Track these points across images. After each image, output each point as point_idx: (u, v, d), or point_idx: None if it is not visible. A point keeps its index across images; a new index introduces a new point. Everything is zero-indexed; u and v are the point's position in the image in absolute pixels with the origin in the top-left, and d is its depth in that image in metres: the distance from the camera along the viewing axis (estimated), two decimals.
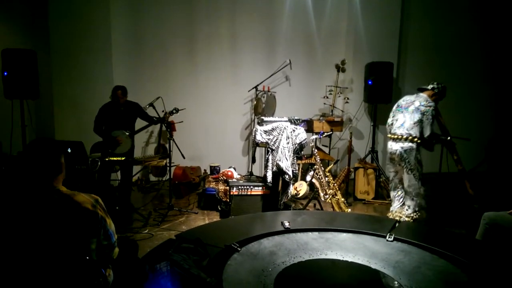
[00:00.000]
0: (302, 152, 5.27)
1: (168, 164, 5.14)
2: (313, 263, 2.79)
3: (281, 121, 5.17)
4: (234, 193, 4.89)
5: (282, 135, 4.91)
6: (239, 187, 4.91)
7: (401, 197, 4.65)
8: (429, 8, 7.31)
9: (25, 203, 1.87)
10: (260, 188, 4.96)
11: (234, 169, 5.74)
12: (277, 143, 4.92)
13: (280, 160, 4.82)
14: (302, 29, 7.14)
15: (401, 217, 4.48)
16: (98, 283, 1.96)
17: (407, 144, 4.35)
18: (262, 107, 6.49)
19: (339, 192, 4.99)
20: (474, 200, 4.81)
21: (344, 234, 3.17)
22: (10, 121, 5.34)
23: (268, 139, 4.98)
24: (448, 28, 7.36)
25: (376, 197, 5.94)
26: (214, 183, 5.58)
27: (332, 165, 5.77)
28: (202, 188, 5.85)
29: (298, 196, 5.38)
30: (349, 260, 2.83)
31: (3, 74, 5.11)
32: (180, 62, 6.83)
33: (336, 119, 6.42)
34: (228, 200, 4.94)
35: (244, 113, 7.11)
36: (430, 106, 4.37)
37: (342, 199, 4.92)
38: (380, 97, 6.42)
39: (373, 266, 2.75)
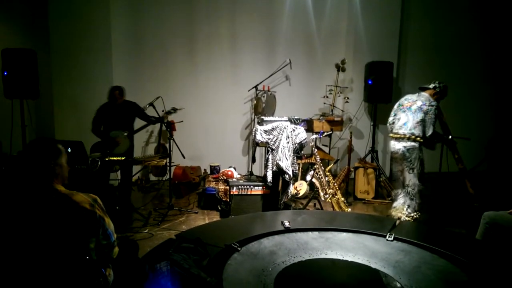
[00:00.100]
0: (302, 152, 5.27)
1: (168, 164, 5.15)
2: (313, 262, 2.79)
3: (281, 120, 5.18)
4: (234, 193, 4.89)
5: (282, 134, 4.91)
6: (239, 186, 4.91)
7: (403, 195, 4.67)
8: (429, 8, 7.31)
9: (24, 203, 1.87)
10: (260, 187, 4.96)
11: (234, 168, 5.74)
12: (277, 143, 4.92)
13: (280, 160, 4.82)
14: (302, 29, 7.14)
15: (402, 215, 4.49)
16: (98, 282, 1.96)
17: (409, 144, 4.36)
18: (262, 106, 6.49)
19: (339, 191, 4.99)
20: (475, 199, 4.82)
21: (344, 234, 3.18)
22: (10, 121, 5.34)
23: (268, 139, 4.99)
24: (448, 28, 7.36)
25: (376, 197, 5.94)
26: (214, 182, 5.58)
27: (332, 164, 5.77)
28: (202, 188, 5.85)
29: (298, 196, 5.38)
30: (349, 259, 2.84)
31: (3, 74, 5.11)
32: (180, 62, 6.83)
33: (336, 119, 6.42)
34: (228, 200, 4.94)
35: (244, 112, 7.11)
36: (432, 106, 4.38)
37: (342, 199, 4.92)
38: (380, 97, 6.42)
39: (373, 265, 2.75)
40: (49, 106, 6.25)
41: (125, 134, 5.03)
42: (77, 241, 1.89)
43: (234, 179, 5.30)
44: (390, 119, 4.73)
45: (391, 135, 4.61)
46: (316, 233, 3.17)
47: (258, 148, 6.06)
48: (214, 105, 6.99)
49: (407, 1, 7.16)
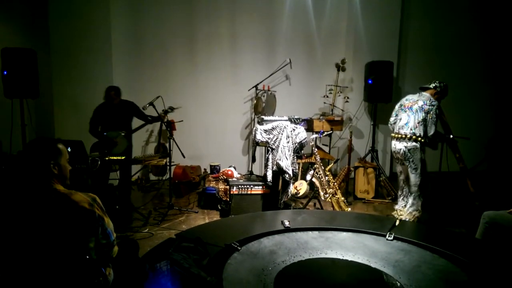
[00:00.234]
0: (302, 151, 5.27)
1: (168, 163, 5.15)
2: (313, 262, 2.79)
3: (281, 120, 5.18)
4: (234, 192, 4.89)
5: (282, 134, 4.91)
6: (239, 186, 4.91)
7: (406, 197, 4.67)
8: (429, 8, 7.31)
9: (23, 202, 1.87)
10: (260, 187, 4.96)
11: (234, 168, 5.74)
12: (277, 142, 4.92)
13: (280, 159, 4.82)
14: (302, 29, 7.14)
15: (403, 217, 4.50)
16: (98, 282, 1.96)
17: (411, 144, 4.37)
18: (262, 106, 6.49)
19: (339, 191, 4.99)
20: (475, 198, 4.82)
21: (344, 233, 3.18)
22: (10, 120, 5.34)
23: (268, 138, 4.99)
24: (448, 28, 7.36)
25: (376, 196, 5.94)
26: (214, 182, 5.58)
27: (332, 164, 5.77)
28: (202, 187, 5.86)
29: (298, 195, 5.38)
30: (349, 259, 2.84)
31: (3, 73, 5.10)
32: (180, 62, 6.84)
33: (336, 118, 6.42)
34: (228, 199, 4.94)
35: (244, 112, 7.11)
36: (433, 105, 4.38)
37: (342, 198, 4.92)
38: (380, 96, 6.42)
39: (373, 265, 2.75)
40: (49, 106, 6.26)
41: (123, 134, 5.03)
42: (76, 240, 1.89)
43: (234, 179, 5.30)
44: (392, 119, 4.74)
45: (393, 135, 4.61)
46: (316, 232, 3.17)
47: (258, 148, 6.06)
48: (214, 104, 6.99)
49: (407, 1, 7.16)
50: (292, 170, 4.90)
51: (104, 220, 2.00)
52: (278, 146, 4.89)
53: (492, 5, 7.41)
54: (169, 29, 6.71)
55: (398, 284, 2.51)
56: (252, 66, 6.99)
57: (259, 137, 5.00)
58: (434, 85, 4.55)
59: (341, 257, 2.86)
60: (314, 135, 5.47)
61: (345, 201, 4.95)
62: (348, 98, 7.03)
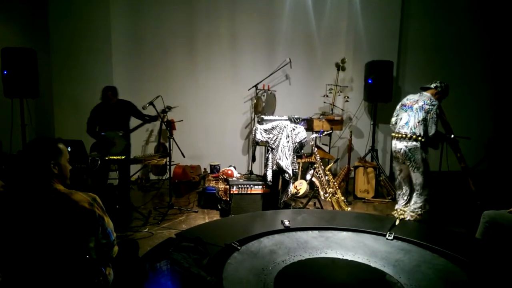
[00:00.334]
0: (302, 151, 5.27)
1: (168, 163, 5.15)
2: (313, 261, 2.79)
3: (281, 119, 5.18)
4: (234, 192, 4.89)
5: (282, 133, 4.91)
6: (239, 186, 4.91)
7: (406, 195, 4.67)
8: (429, 8, 7.30)
9: (23, 202, 1.87)
10: (260, 186, 4.96)
11: (234, 167, 5.74)
12: (277, 142, 4.92)
13: (280, 159, 4.82)
14: (302, 28, 7.14)
15: (405, 215, 4.50)
16: (98, 281, 1.96)
17: (411, 143, 4.37)
18: (262, 106, 6.49)
19: (339, 190, 4.99)
20: (477, 197, 4.83)
21: (344, 233, 3.18)
22: (10, 120, 5.34)
23: (268, 138, 4.99)
24: (448, 28, 7.36)
25: (376, 196, 5.95)
26: (214, 182, 5.58)
27: (332, 163, 5.77)
28: (202, 187, 5.86)
29: (298, 195, 5.38)
30: (349, 258, 2.84)
31: (3, 73, 5.10)
32: (180, 62, 6.84)
33: (336, 118, 6.41)
34: (228, 199, 4.94)
35: (244, 112, 7.11)
36: (434, 105, 4.39)
37: (342, 198, 4.92)
38: (380, 96, 6.42)
39: (373, 264, 2.75)
40: (49, 106, 6.26)
41: (120, 134, 5.04)
42: (76, 240, 1.89)
43: (234, 178, 5.30)
44: (393, 119, 4.74)
45: (393, 134, 4.61)
46: (316, 232, 3.17)
47: (258, 147, 6.06)
48: (214, 104, 7.00)
49: (407, 1, 7.15)
50: (292, 169, 4.90)
51: (104, 219, 2.00)
52: (278, 146, 4.89)
53: (492, 4, 7.40)
54: (169, 29, 6.71)
55: (398, 283, 2.51)
56: (252, 66, 6.99)
57: (259, 136, 5.00)
58: (435, 85, 4.56)
59: (341, 257, 2.86)
60: (314, 135, 5.47)
61: (345, 200, 4.95)
62: (348, 97, 7.03)
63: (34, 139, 2.02)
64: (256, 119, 6.44)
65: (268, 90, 6.66)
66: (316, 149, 5.20)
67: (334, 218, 3.63)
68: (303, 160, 5.65)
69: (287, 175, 4.84)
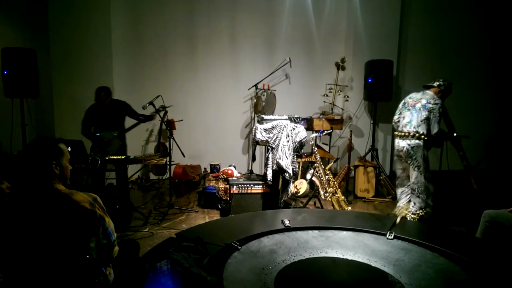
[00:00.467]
0: (302, 150, 5.27)
1: (168, 163, 5.15)
2: (314, 261, 2.79)
3: (281, 119, 5.17)
4: (234, 192, 4.89)
5: (282, 133, 4.91)
6: (239, 185, 4.91)
7: (408, 194, 4.68)
8: (429, 6, 7.29)
9: (24, 202, 1.87)
10: (260, 186, 4.96)
11: (234, 167, 5.74)
12: (277, 141, 4.92)
13: (280, 158, 4.82)
14: (302, 27, 7.14)
15: (407, 214, 4.50)
16: (99, 281, 1.96)
17: (414, 141, 4.37)
18: (262, 105, 6.49)
19: (339, 190, 4.99)
20: (479, 196, 4.83)
21: (344, 232, 3.18)
22: (10, 120, 5.34)
23: (268, 137, 4.99)
24: (448, 27, 7.35)
25: (376, 195, 5.95)
26: (214, 181, 5.58)
27: (332, 163, 5.77)
28: (202, 187, 5.86)
29: (298, 194, 5.38)
30: (349, 258, 2.84)
31: (3, 73, 5.11)
32: (180, 61, 6.83)
33: (336, 117, 6.42)
34: (228, 199, 4.94)
35: (244, 111, 7.11)
36: (437, 104, 4.39)
37: (342, 197, 4.92)
38: (380, 95, 6.42)
39: (373, 264, 2.75)
40: (49, 105, 6.26)
41: (115, 134, 5.04)
42: (77, 240, 1.89)
43: (234, 178, 5.30)
44: (395, 117, 4.74)
45: (396, 133, 4.62)
46: (316, 231, 3.17)
47: (258, 147, 6.06)
48: (214, 103, 7.00)
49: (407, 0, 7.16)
50: (292, 169, 4.90)
51: (105, 220, 2.00)
52: (278, 145, 4.89)
53: (492, 3, 7.39)
54: (169, 29, 6.71)
55: (399, 283, 2.51)
56: (252, 65, 6.99)
57: (259, 136, 4.99)
58: (438, 83, 4.56)
59: (341, 256, 2.86)
60: (314, 134, 5.48)
61: (345, 200, 4.95)
62: (348, 97, 7.03)
63: (35, 139, 2.01)
64: (256, 118, 6.44)
65: (268, 89, 6.66)
66: (316, 148, 5.20)
67: (334, 217, 3.63)
68: (303, 160, 5.65)
69: (287, 175, 4.84)
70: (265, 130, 5.00)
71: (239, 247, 2.73)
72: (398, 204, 4.79)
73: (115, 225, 2.12)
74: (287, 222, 3.21)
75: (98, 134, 4.99)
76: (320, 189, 4.99)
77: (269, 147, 5.02)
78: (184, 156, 5.27)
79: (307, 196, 5.31)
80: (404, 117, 4.56)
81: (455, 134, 4.65)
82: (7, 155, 4.96)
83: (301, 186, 5.40)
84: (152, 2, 6.61)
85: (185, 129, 6.56)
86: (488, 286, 2.36)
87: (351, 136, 5.65)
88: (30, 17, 6.25)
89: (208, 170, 6.58)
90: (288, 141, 4.90)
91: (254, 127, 5.13)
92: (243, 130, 7.17)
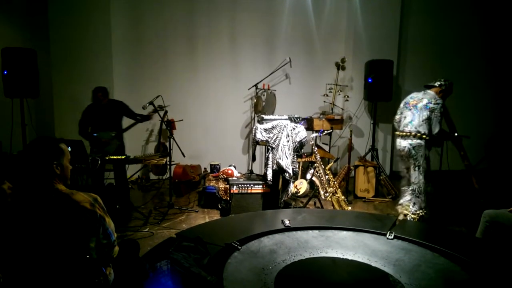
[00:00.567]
0: (302, 150, 5.27)
1: (168, 163, 5.15)
2: (314, 261, 2.79)
3: (281, 119, 5.17)
4: (235, 192, 4.89)
5: (282, 133, 4.91)
6: (240, 185, 4.91)
7: (411, 193, 4.68)
8: (429, 6, 7.30)
9: (24, 202, 1.87)
10: (261, 186, 4.96)
11: (234, 167, 5.74)
12: (277, 141, 4.92)
13: (280, 158, 4.82)
14: (302, 27, 7.14)
15: (407, 214, 4.51)
16: (99, 281, 1.96)
17: (415, 141, 4.38)
18: (262, 105, 6.49)
19: (339, 190, 4.99)
20: (480, 195, 4.83)
21: (344, 232, 3.17)
22: (10, 120, 5.34)
23: (268, 137, 4.98)
24: (448, 26, 7.35)
25: (376, 195, 5.95)
26: (214, 181, 5.58)
27: (332, 163, 5.77)
28: (202, 187, 5.86)
29: (298, 194, 5.38)
30: (349, 258, 2.83)
31: (3, 73, 5.11)
32: (180, 61, 6.83)
33: (336, 117, 6.42)
34: (228, 199, 4.94)
35: (244, 111, 7.11)
36: (438, 104, 4.40)
37: (342, 197, 4.92)
38: (380, 95, 6.42)
39: (373, 264, 2.75)
40: (49, 105, 6.26)
41: (113, 134, 5.04)
42: (77, 240, 1.89)
43: (234, 178, 5.30)
44: (397, 117, 4.75)
45: (397, 133, 4.63)
46: (316, 231, 3.17)
47: (258, 147, 6.06)
48: (214, 103, 7.00)
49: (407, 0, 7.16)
50: (292, 169, 4.90)
51: (105, 220, 2.00)
52: (278, 145, 4.89)
53: (492, 4, 7.39)
54: (169, 29, 6.71)
55: (399, 283, 2.51)
56: (252, 65, 6.99)
57: (259, 136, 4.99)
58: (439, 83, 4.56)
59: (341, 256, 2.85)
60: (314, 134, 5.48)
61: (345, 200, 4.95)
62: (348, 97, 7.03)
63: (36, 139, 2.01)
64: (256, 118, 6.44)
65: (268, 89, 6.66)
66: (316, 148, 5.20)
67: (334, 217, 3.62)
68: (303, 160, 5.65)
69: (287, 175, 4.83)
70: (265, 130, 5.00)
71: (239, 247, 2.73)
72: (400, 201, 4.79)
73: (115, 225, 2.12)
74: (287, 222, 3.20)
75: (95, 135, 4.99)
76: (320, 189, 4.99)
77: (269, 147, 5.02)
78: (184, 156, 5.27)
79: (307, 196, 5.31)
80: (405, 117, 4.57)
81: (456, 134, 4.66)
82: (7, 155, 4.96)
83: (301, 186, 5.40)
84: (152, 2, 6.62)
85: (185, 129, 6.57)
86: (488, 286, 2.36)
87: (351, 136, 5.65)
88: (30, 17, 6.25)
89: (208, 170, 6.58)
90: (288, 141, 4.90)
91: (254, 127, 5.13)
92: (243, 130, 7.17)
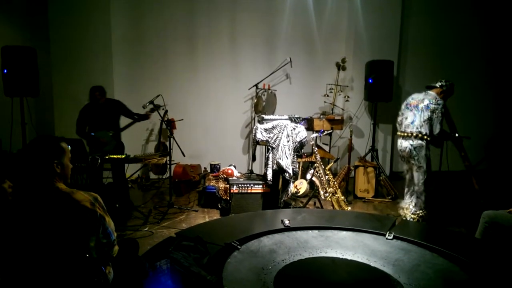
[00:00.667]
0: (302, 150, 5.27)
1: (168, 162, 5.15)
2: (313, 261, 2.79)
3: (281, 119, 5.17)
4: (234, 191, 4.89)
5: (282, 133, 4.91)
6: (239, 185, 4.92)
7: (412, 194, 4.69)
8: (430, 7, 7.30)
9: (24, 201, 1.87)
10: (260, 186, 4.96)
11: (234, 167, 5.74)
12: (277, 141, 4.92)
13: (280, 158, 4.82)
14: (303, 27, 7.14)
15: (406, 214, 4.52)
16: (98, 280, 1.96)
17: (416, 142, 4.39)
18: (263, 105, 6.49)
19: (339, 190, 5.00)
20: (480, 196, 4.84)
21: (344, 232, 3.17)
22: (10, 118, 5.34)
23: (269, 137, 4.99)
24: (448, 27, 7.35)
25: (376, 196, 5.95)
26: (214, 181, 5.59)
27: (332, 163, 5.77)
28: (202, 186, 5.86)
29: (298, 194, 5.38)
30: (349, 258, 2.84)
31: (3, 72, 5.11)
32: (180, 61, 6.84)
33: (336, 117, 6.42)
34: (228, 198, 4.94)
35: (244, 111, 7.11)
36: (439, 104, 4.41)
37: (342, 197, 4.92)
38: (380, 96, 6.42)
39: (372, 264, 2.75)
40: (49, 104, 6.26)
41: (110, 134, 5.05)
42: (77, 239, 1.89)
43: (234, 178, 5.30)
44: (399, 118, 4.77)
45: (399, 133, 4.64)
46: (316, 231, 3.17)
47: (258, 147, 6.06)
48: (214, 103, 7.00)
49: (408, 0, 7.15)
50: (292, 169, 4.90)
51: (105, 219, 2.00)
52: (279, 145, 4.89)
53: (492, 5, 7.39)
54: (169, 29, 6.71)
55: (398, 283, 2.51)
56: (252, 65, 6.99)
57: (259, 136, 4.99)
58: (440, 84, 4.57)
59: (341, 256, 2.86)
60: (314, 134, 5.48)
61: (345, 200, 4.96)
62: (348, 97, 7.03)
63: (37, 138, 2.01)
64: (256, 118, 6.44)
65: (269, 89, 6.66)
66: (316, 148, 5.20)
67: (334, 217, 3.63)
68: (303, 160, 5.65)
69: (287, 175, 4.84)
70: (266, 130, 5.00)
71: (239, 247, 2.73)
72: (401, 204, 4.81)
73: (114, 224, 2.12)
74: (287, 222, 3.20)
75: (93, 134, 4.99)
76: (320, 189, 4.99)
77: (269, 147, 5.02)
78: (184, 155, 5.27)
79: (307, 196, 5.31)
80: (406, 118, 4.58)
81: (457, 135, 4.67)
82: (7, 154, 4.97)
83: (301, 186, 5.40)
84: (152, 2, 6.62)
85: (185, 129, 6.57)
86: (487, 286, 2.36)
87: (351, 137, 5.65)
88: (30, 17, 6.25)
89: (208, 169, 6.58)
90: (288, 141, 4.90)
91: (255, 127, 5.13)
92: (243, 130, 7.17)
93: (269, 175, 4.92)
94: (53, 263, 1.84)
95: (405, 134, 4.50)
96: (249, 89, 6.77)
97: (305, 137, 5.03)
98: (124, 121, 5.40)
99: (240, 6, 6.89)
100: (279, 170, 4.87)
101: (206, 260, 2.47)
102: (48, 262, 1.84)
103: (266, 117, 5.28)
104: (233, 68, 7.02)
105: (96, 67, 6.29)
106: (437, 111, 4.38)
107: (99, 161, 4.34)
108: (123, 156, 4.66)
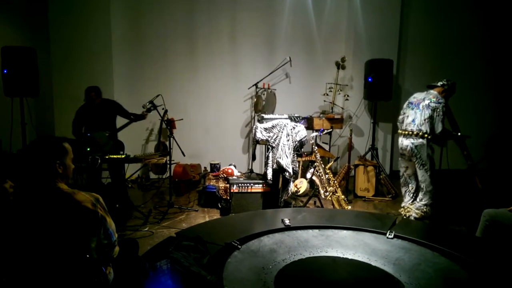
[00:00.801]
0: (302, 150, 5.27)
1: (168, 162, 5.15)
2: (314, 260, 2.79)
3: (281, 118, 5.17)
4: (235, 191, 4.89)
5: (282, 132, 4.91)
6: (240, 184, 4.91)
7: (412, 192, 4.70)
8: (430, 6, 7.29)
9: (25, 201, 1.87)
10: (261, 185, 4.96)
11: (234, 166, 5.74)
12: (277, 141, 4.92)
13: (280, 158, 4.82)
14: (302, 26, 7.14)
15: (411, 213, 4.52)
16: (99, 281, 1.96)
17: (418, 140, 4.40)
18: (262, 104, 6.48)
19: (339, 189, 4.99)
20: (483, 195, 4.84)
21: (344, 232, 3.17)
22: (10, 118, 5.34)
23: (268, 137, 4.98)
24: (448, 26, 7.35)
25: (376, 194, 5.95)
26: (214, 180, 5.58)
27: (332, 162, 5.77)
28: (202, 186, 5.86)
29: (298, 194, 5.38)
30: (349, 257, 2.83)
31: (3, 72, 5.10)
32: (180, 61, 6.83)
33: (336, 117, 6.41)
34: (228, 198, 4.94)
35: (244, 110, 7.11)
36: (440, 103, 4.42)
37: (342, 197, 4.92)
38: (380, 95, 6.42)
39: (373, 263, 2.75)
40: (49, 104, 6.26)
41: (107, 134, 5.04)
42: (78, 240, 1.89)
43: (234, 177, 5.30)
44: (400, 117, 4.79)
45: (400, 131, 4.65)
46: (316, 231, 3.16)
47: (258, 146, 6.06)
48: (214, 103, 7.00)
49: None
50: (292, 168, 4.90)
51: (106, 220, 2.00)
52: (278, 144, 4.89)
53: (492, 4, 7.39)
54: (169, 29, 6.71)
55: (399, 282, 2.51)
56: (252, 64, 6.98)
57: (259, 135, 4.99)
58: (441, 83, 4.59)
59: (341, 255, 2.85)
60: (314, 133, 5.48)
61: (345, 199, 4.96)
62: (348, 96, 7.03)
63: (39, 138, 2.01)
64: (256, 117, 6.44)
65: (268, 88, 6.66)
66: (316, 147, 5.20)
67: (334, 216, 3.62)
68: (304, 159, 5.65)
69: (287, 174, 4.84)
70: (265, 129, 5.00)
71: (239, 246, 2.73)
72: (402, 204, 4.81)
73: (114, 224, 2.11)
74: (287, 221, 3.20)
75: (89, 134, 4.99)
76: (320, 188, 4.99)
77: (269, 146, 5.02)
78: (184, 155, 5.27)
79: (307, 195, 5.31)
80: (408, 116, 4.59)
81: (459, 134, 4.68)
82: (7, 154, 4.96)
83: (301, 185, 5.40)
84: (152, 2, 6.61)
85: (185, 128, 6.56)
86: (488, 285, 2.36)
87: (351, 135, 5.65)
88: (30, 17, 6.25)
89: (208, 169, 6.58)
90: (288, 140, 4.90)
91: (254, 126, 5.13)
92: (243, 129, 7.16)
93: (269, 175, 4.92)
94: (54, 263, 1.84)
95: (406, 132, 4.52)
96: (248, 88, 6.77)
97: (305, 136, 5.03)
98: (120, 121, 5.39)
99: (240, 5, 6.89)
100: (279, 169, 4.87)
101: (206, 260, 2.47)
102: (49, 263, 1.83)
103: (266, 116, 5.28)
104: (233, 67, 7.01)
105: (96, 67, 6.28)
106: (438, 110, 4.39)
107: (99, 161, 4.34)
108: (123, 156, 4.66)
